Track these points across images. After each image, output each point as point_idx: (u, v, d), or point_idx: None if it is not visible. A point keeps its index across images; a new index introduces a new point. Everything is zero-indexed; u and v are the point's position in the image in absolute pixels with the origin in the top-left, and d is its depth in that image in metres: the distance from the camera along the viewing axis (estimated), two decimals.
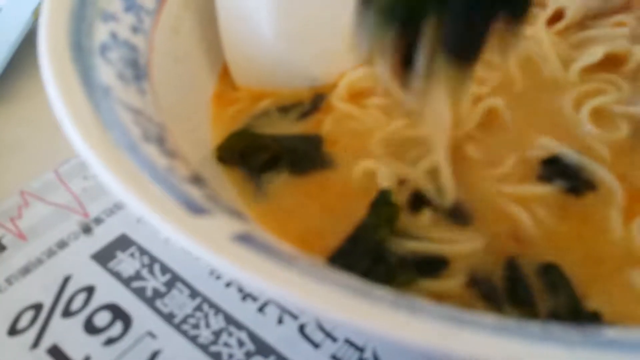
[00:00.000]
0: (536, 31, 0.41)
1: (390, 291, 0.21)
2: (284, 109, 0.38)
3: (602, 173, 0.33)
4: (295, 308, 0.32)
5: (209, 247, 0.20)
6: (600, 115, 0.37)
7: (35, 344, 0.34)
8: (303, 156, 0.35)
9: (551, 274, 0.29)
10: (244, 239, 0.21)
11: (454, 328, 0.19)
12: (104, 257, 0.38)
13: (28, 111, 0.47)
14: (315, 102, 0.38)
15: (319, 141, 0.36)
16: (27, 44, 0.49)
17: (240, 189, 0.34)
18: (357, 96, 0.38)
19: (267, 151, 0.35)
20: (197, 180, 0.25)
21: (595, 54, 0.39)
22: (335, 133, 0.36)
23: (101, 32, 0.29)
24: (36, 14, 0.49)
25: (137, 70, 0.30)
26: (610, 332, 0.21)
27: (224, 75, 0.40)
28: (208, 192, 0.25)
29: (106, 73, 0.28)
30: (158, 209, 0.20)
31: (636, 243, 0.30)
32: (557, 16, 0.42)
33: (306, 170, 0.34)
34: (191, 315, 0.35)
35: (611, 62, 0.39)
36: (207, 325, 0.34)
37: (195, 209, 0.22)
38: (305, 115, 0.37)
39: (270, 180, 0.34)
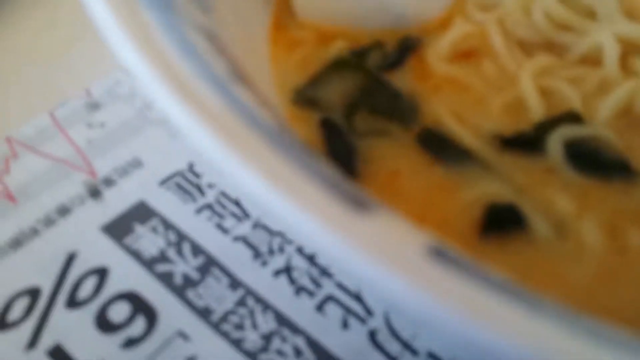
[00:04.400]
0: None
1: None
2: (360, 55, 0.29)
3: None
4: None
5: (401, 271, 0.11)
6: None
7: (32, 342, 0.26)
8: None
9: None
10: (439, 254, 0.13)
11: None
12: (118, 230, 0.29)
13: (17, 37, 0.38)
14: (404, 49, 0.29)
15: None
16: None
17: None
18: (462, 57, 0.29)
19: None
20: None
21: None
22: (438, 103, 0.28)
23: None
24: None
25: None
26: None
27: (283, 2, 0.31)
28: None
29: None
30: (294, 194, 0.12)
31: None
32: None
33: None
34: (233, 312, 0.27)
35: None
36: (254, 326, 0.27)
37: (356, 202, 0.13)
38: (390, 66, 0.29)
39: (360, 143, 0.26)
